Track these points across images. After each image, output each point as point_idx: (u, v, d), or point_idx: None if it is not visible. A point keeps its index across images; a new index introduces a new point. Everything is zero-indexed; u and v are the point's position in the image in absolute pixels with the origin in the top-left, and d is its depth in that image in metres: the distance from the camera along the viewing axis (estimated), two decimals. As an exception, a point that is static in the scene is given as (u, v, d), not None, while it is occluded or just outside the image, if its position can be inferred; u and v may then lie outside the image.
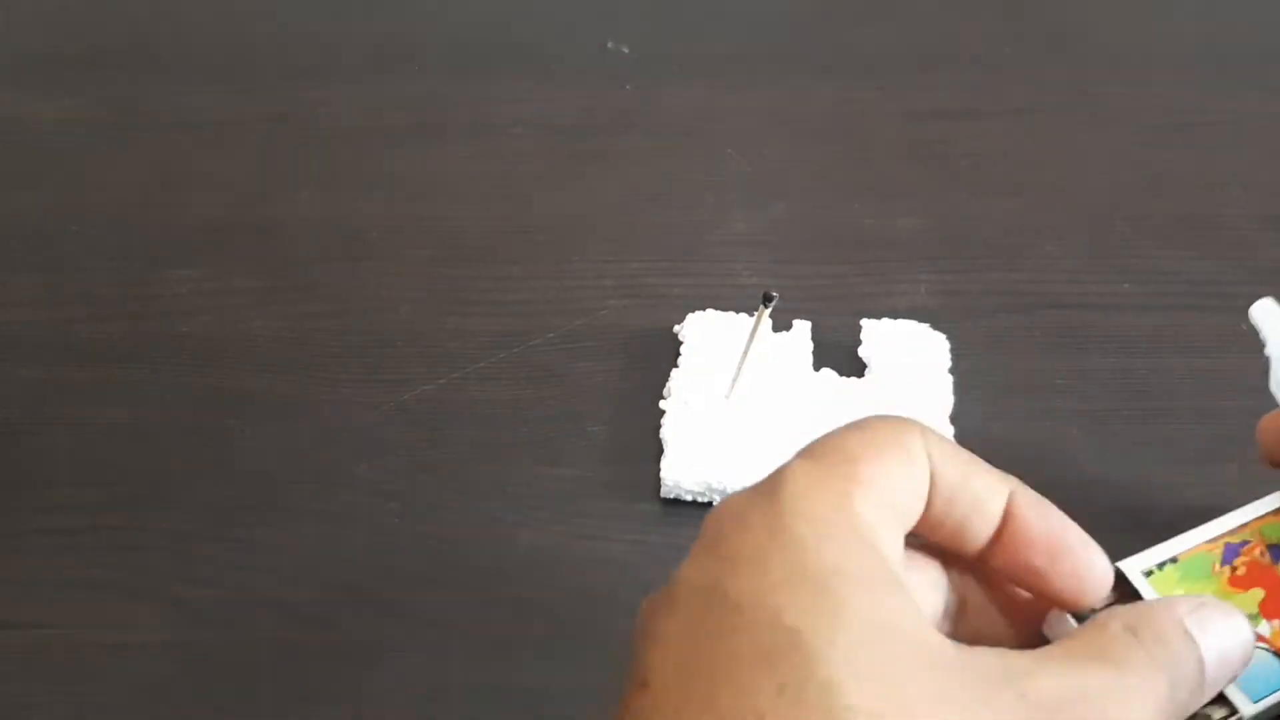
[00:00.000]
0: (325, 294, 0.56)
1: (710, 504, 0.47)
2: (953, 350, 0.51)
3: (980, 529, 0.28)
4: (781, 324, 0.51)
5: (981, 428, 0.49)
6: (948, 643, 0.24)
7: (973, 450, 0.48)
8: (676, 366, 0.50)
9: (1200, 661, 0.26)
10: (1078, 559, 0.28)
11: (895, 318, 0.52)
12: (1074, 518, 0.47)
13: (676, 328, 0.52)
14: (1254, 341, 0.53)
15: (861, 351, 0.51)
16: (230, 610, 0.45)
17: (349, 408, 0.51)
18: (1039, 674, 0.24)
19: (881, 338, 0.51)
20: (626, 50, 0.68)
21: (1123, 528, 0.47)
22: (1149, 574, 0.33)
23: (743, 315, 0.52)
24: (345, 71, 0.68)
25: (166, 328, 0.55)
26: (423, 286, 0.56)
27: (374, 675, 0.43)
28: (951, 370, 0.50)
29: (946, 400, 0.49)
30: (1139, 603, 0.27)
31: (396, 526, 0.47)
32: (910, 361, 0.50)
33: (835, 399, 0.49)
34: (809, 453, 0.26)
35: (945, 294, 0.55)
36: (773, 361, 0.50)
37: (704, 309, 0.53)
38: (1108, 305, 0.55)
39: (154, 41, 0.71)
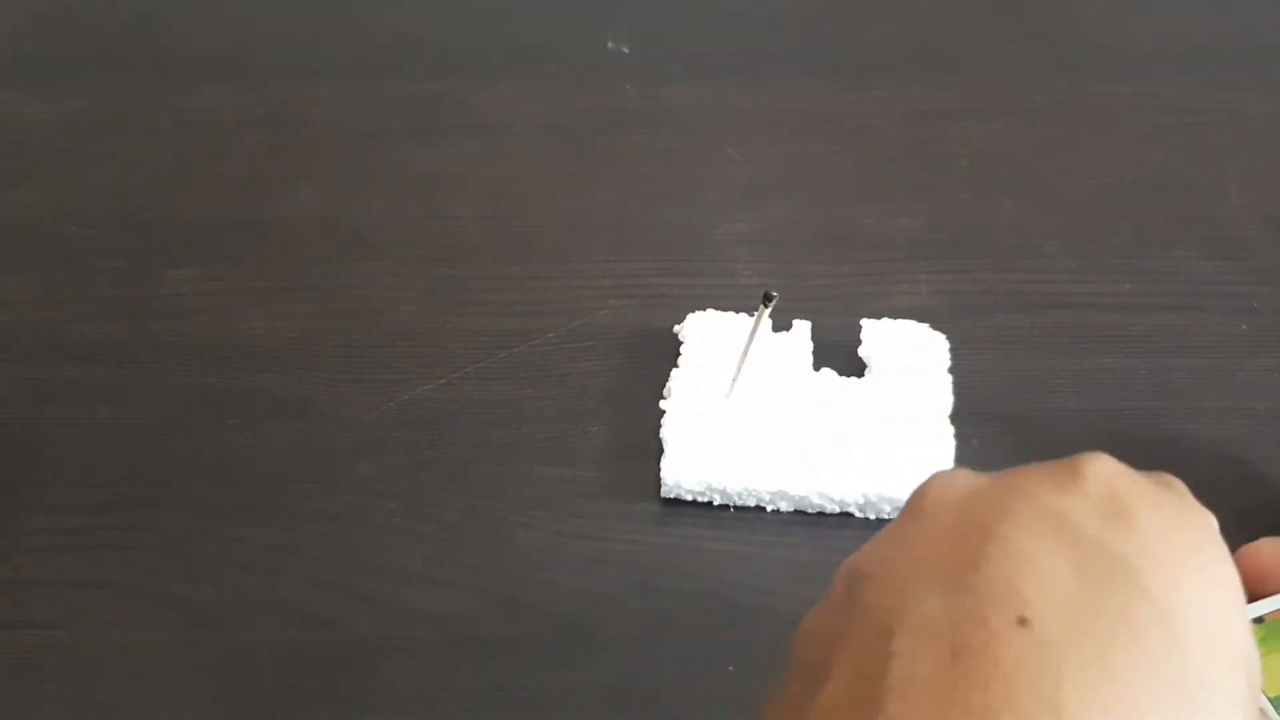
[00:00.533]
0: (325, 294, 0.56)
1: (710, 504, 0.47)
2: (953, 350, 0.51)
3: None
4: (781, 324, 0.51)
5: (982, 428, 0.49)
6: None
7: (973, 449, 0.48)
8: (677, 366, 0.50)
9: None
10: None
11: (895, 318, 0.52)
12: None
13: (676, 328, 0.52)
14: (1254, 341, 0.53)
15: (861, 351, 0.51)
16: (230, 610, 0.45)
17: (349, 408, 0.51)
18: None
19: (881, 338, 0.51)
20: (626, 50, 0.68)
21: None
22: None
23: (743, 315, 0.52)
24: (345, 71, 0.68)
25: (166, 328, 0.55)
26: (423, 286, 0.56)
27: (374, 675, 0.43)
28: (951, 370, 0.50)
29: (946, 400, 0.49)
30: None
31: (396, 526, 0.47)
32: (910, 361, 0.50)
33: (835, 399, 0.49)
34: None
35: (945, 294, 0.55)
36: (773, 361, 0.50)
37: (704, 309, 0.53)
38: (1108, 305, 0.55)
39: (154, 41, 0.71)
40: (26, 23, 0.72)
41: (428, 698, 0.43)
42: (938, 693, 0.20)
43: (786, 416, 0.48)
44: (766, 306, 0.45)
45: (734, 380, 0.48)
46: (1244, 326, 0.54)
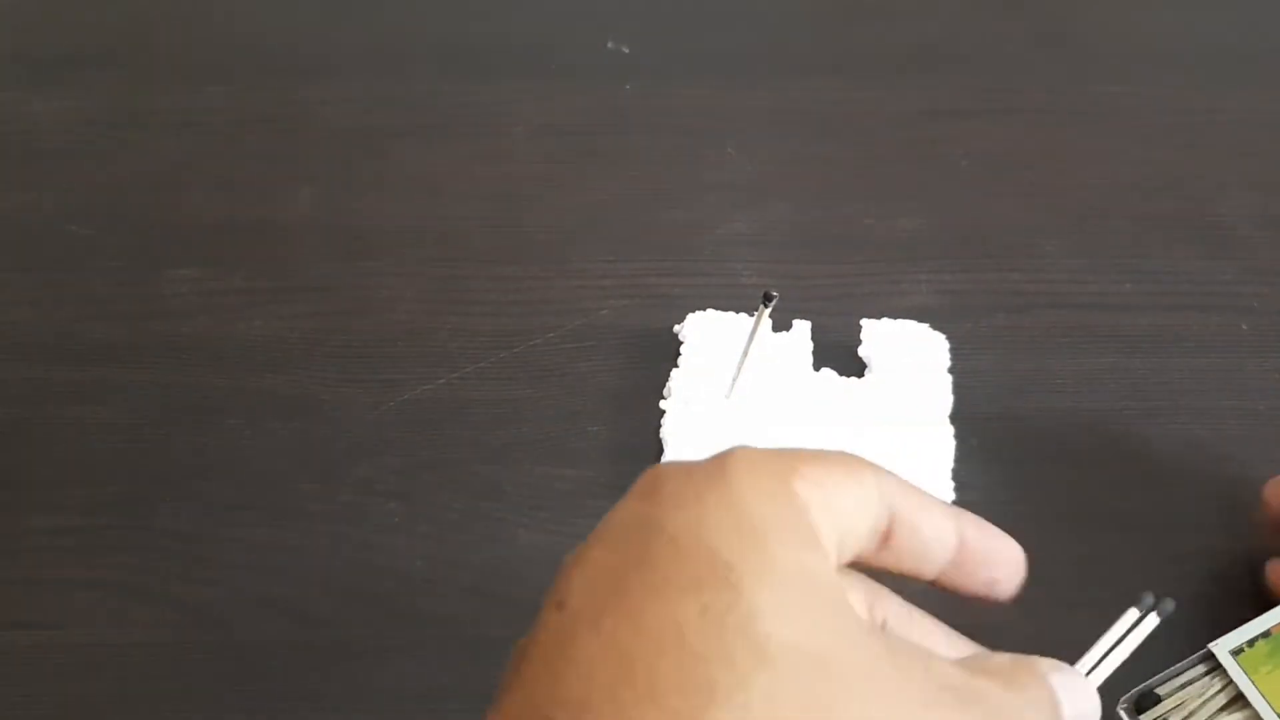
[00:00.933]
0: (325, 294, 0.56)
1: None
2: (953, 350, 0.51)
3: (939, 557, 0.29)
4: (781, 324, 0.51)
5: (982, 428, 0.49)
6: (860, 616, 0.26)
7: (973, 448, 0.48)
8: (677, 366, 0.50)
9: (1060, 714, 0.28)
10: (1016, 567, 0.31)
11: (895, 318, 0.52)
12: (1074, 516, 0.47)
13: (676, 328, 0.52)
14: (1254, 341, 0.53)
15: (861, 351, 0.51)
16: (230, 610, 0.45)
17: (349, 408, 0.51)
18: (947, 663, 0.26)
19: (881, 338, 0.51)
20: (627, 50, 0.68)
21: (1123, 527, 0.47)
22: (1238, 652, 0.34)
23: (743, 315, 0.52)
24: (345, 71, 0.68)
25: (166, 328, 0.55)
26: (423, 286, 0.56)
27: (374, 675, 0.43)
28: (951, 370, 0.50)
29: (946, 400, 0.49)
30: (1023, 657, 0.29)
31: (396, 526, 0.47)
32: (910, 361, 0.50)
33: (835, 399, 0.49)
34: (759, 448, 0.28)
35: (945, 294, 0.55)
36: (773, 361, 0.50)
37: (704, 309, 0.53)
38: (1108, 305, 0.55)
39: (153, 41, 0.71)
40: (26, 22, 0.72)
41: (428, 698, 0.43)
42: (509, 691, 0.24)
43: (786, 416, 0.48)
44: (766, 306, 0.45)
45: (734, 380, 0.48)
46: (1244, 326, 0.54)
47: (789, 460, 0.27)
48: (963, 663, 0.27)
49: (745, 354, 0.48)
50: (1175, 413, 0.50)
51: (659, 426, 0.49)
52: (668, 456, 0.47)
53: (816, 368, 0.50)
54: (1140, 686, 0.39)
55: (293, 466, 0.49)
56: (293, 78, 0.67)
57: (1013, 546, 0.31)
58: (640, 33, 0.69)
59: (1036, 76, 0.66)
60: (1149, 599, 0.32)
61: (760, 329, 0.47)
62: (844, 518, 0.27)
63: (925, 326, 0.52)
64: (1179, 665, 0.39)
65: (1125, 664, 0.32)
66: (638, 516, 0.25)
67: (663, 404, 0.50)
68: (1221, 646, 0.37)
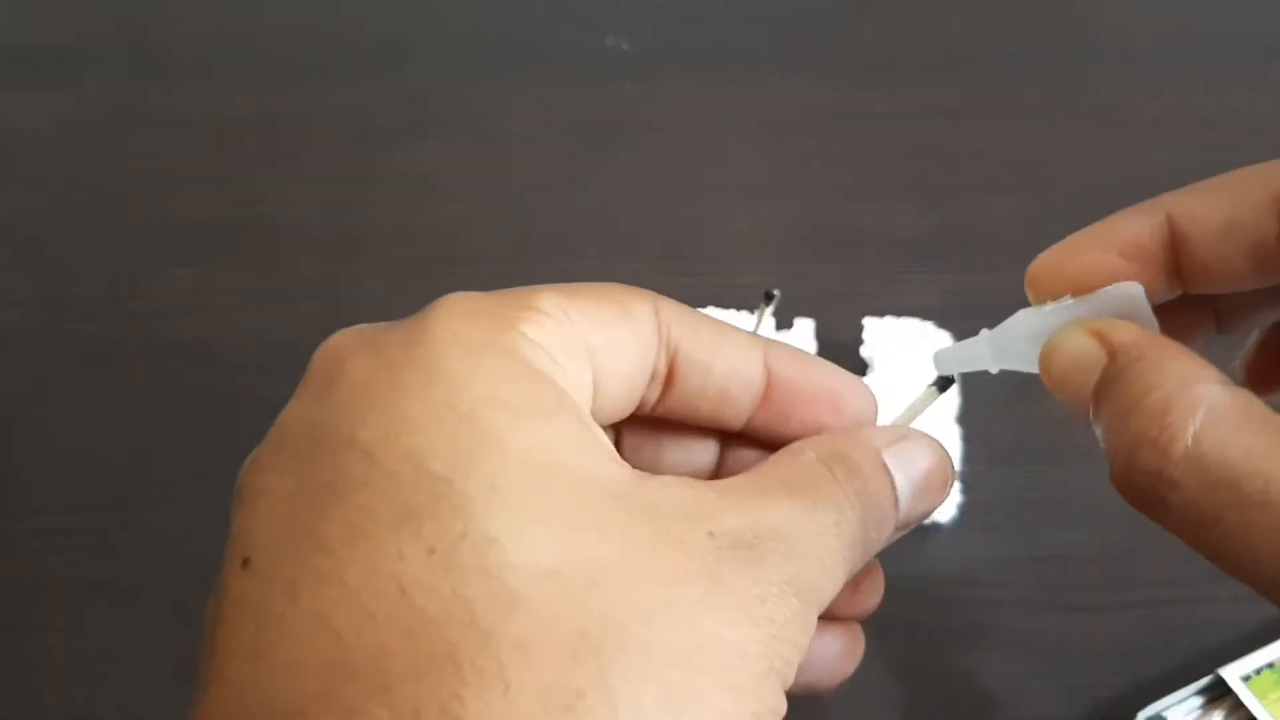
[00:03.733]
0: (323, 294, 0.56)
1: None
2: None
3: (744, 395, 0.25)
4: (783, 323, 0.51)
5: (985, 427, 0.49)
6: (629, 475, 0.21)
7: (979, 448, 0.48)
8: None
9: (895, 496, 0.24)
10: (849, 402, 0.26)
11: (897, 317, 0.52)
12: (1078, 516, 0.47)
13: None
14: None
15: (863, 350, 0.51)
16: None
17: (349, 408, 0.51)
18: (727, 511, 0.21)
19: (884, 336, 0.51)
20: (626, 48, 0.68)
21: (1128, 527, 0.47)
22: (1248, 679, 0.34)
23: (744, 314, 0.52)
24: (345, 71, 0.68)
25: (163, 327, 0.55)
26: (422, 286, 0.56)
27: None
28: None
29: (951, 399, 0.49)
30: (838, 433, 0.25)
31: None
32: (912, 361, 0.50)
33: None
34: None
35: (945, 294, 0.55)
36: None
37: (704, 309, 0.53)
38: (1108, 305, 0.55)
39: (150, 40, 0.71)
40: (24, 21, 0.72)
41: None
42: (208, 687, 0.19)
43: None
44: (768, 304, 0.45)
45: None
46: (1244, 326, 0.54)
47: (513, 301, 0.21)
48: (759, 482, 0.22)
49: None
50: (1176, 413, 0.50)
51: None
52: None
53: None
54: (1149, 710, 0.39)
55: (292, 467, 0.49)
56: (291, 77, 0.67)
57: (843, 377, 0.26)
58: (640, 31, 0.69)
59: (1036, 76, 0.66)
60: (937, 379, 0.29)
61: (762, 327, 0.47)
62: (605, 356, 0.22)
63: (929, 325, 0.52)
64: (1188, 689, 0.39)
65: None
66: (315, 423, 0.21)
67: None
68: (1232, 672, 0.36)
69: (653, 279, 0.59)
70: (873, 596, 0.27)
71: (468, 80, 0.67)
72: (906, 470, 0.24)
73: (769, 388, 0.25)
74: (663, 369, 0.24)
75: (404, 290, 0.56)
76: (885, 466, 0.24)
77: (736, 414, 0.25)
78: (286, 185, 0.61)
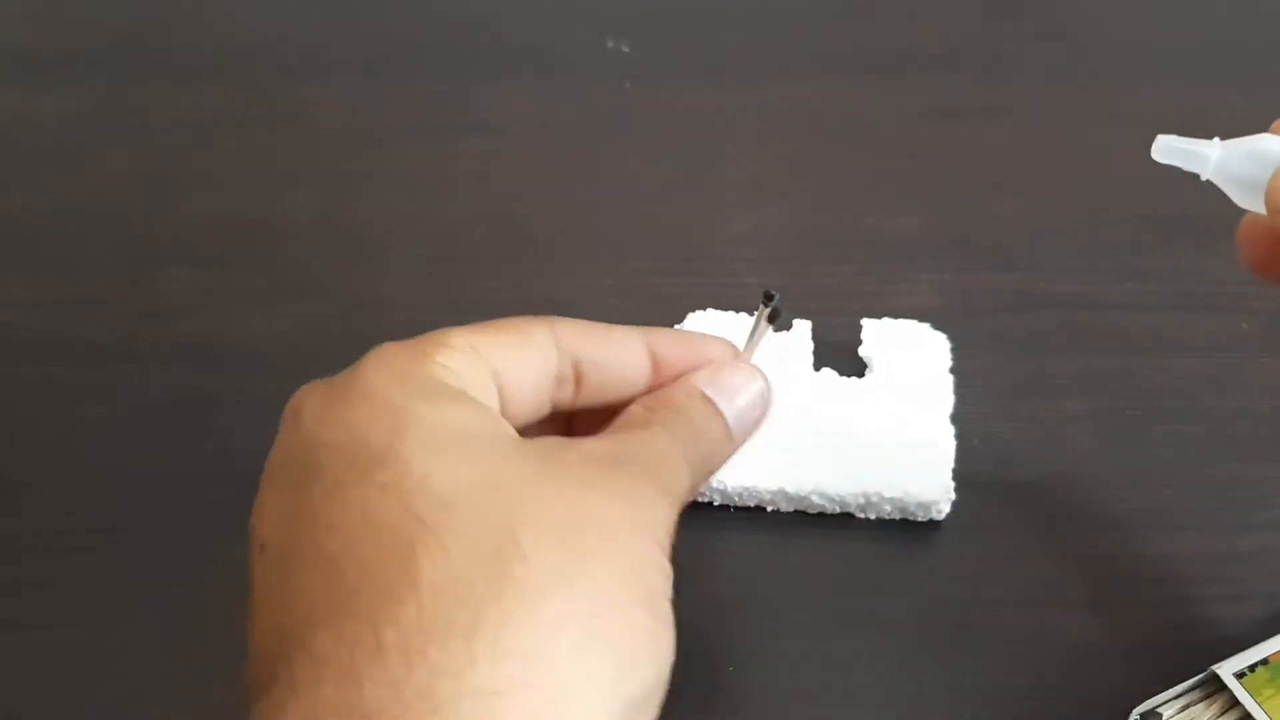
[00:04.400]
0: (324, 294, 0.56)
1: (710, 504, 0.47)
2: (953, 350, 0.51)
3: (636, 381, 0.32)
4: (782, 324, 0.51)
5: (982, 428, 0.49)
6: (516, 437, 0.29)
7: (975, 449, 0.48)
8: None
9: (720, 419, 0.32)
10: (715, 359, 0.34)
11: (895, 318, 0.52)
12: (1074, 517, 0.47)
13: (677, 328, 0.52)
14: (1254, 341, 0.53)
15: (862, 351, 0.51)
16: (231, 610, 0.45)
17: (349, 408, 0.51)
18: (591, 443, 0.29)
19: (882, 337, 0.51)
20: (627, 49, 0.68)
21: (1123, 527, 0.47)
22: (1241, 676, 0.34)
23: (743, 315, 0.52)
24: (345, 71, 0.68)
25: (164, 327, 0.55)
26: (422, 286, 0.56)
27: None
28: (952, 370, 0.50)
29: (947, 399, 0.49)
30: (664, 388, 0.33)
31: (396, 526, 0.47)
32: (911, 362, 0.50)
33: (835, 399, 0.49)
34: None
35: (945, 294, 0.55)
36: (773, 361, 0.50)
37: (704, 309, 0.53)
38: (1108, 305, 0.55)
39: (151, 40, 0.71)
40: (26, 22, 0.72)
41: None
42: (249, 637, 0.28)
43: (786, 416, 0.48)
44: (766, 306, 0.45)
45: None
46: (1244, 326, 0.54)
47: (426, 342, 0.30)
48: (611, 434, 0.31)
49: (749, 353, 0.47)
50: (1175, 413, 0.50)
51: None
52: None
53: (817, 368, 0.50)
54: (1143, 706, 0.39)
55: (292, 466, 0.49)
56: (291, 77, 0.67)
57: (709, 341, 0.34)
58: (640, 32, 0.69)
59: (1036, 76, 0.66)
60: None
61: (760, 328, 0.47)
62: (510, 373, 0.30)
63: (926, 326, 0.52)
64: (1182, 685, 0.39)
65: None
66: (292, 447, 0.28)
67: None
68: (1226, 669, 0.36)
69: (653, 279, 0.60)
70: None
71: (468, 80, 0.67)
72: (726, 394, 0.33)
73: (656, 366, 0.33)
74: (569, 373, 0.31)
75: (404, 290, 0.56)
76: (702, 395, 0.32)
77: (636, 393, 0.32)
78: (286, 185, 0.61)
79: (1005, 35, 0.69)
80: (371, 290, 0.56)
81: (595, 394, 0.32)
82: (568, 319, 0.31)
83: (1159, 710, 0.38)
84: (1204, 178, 0.31)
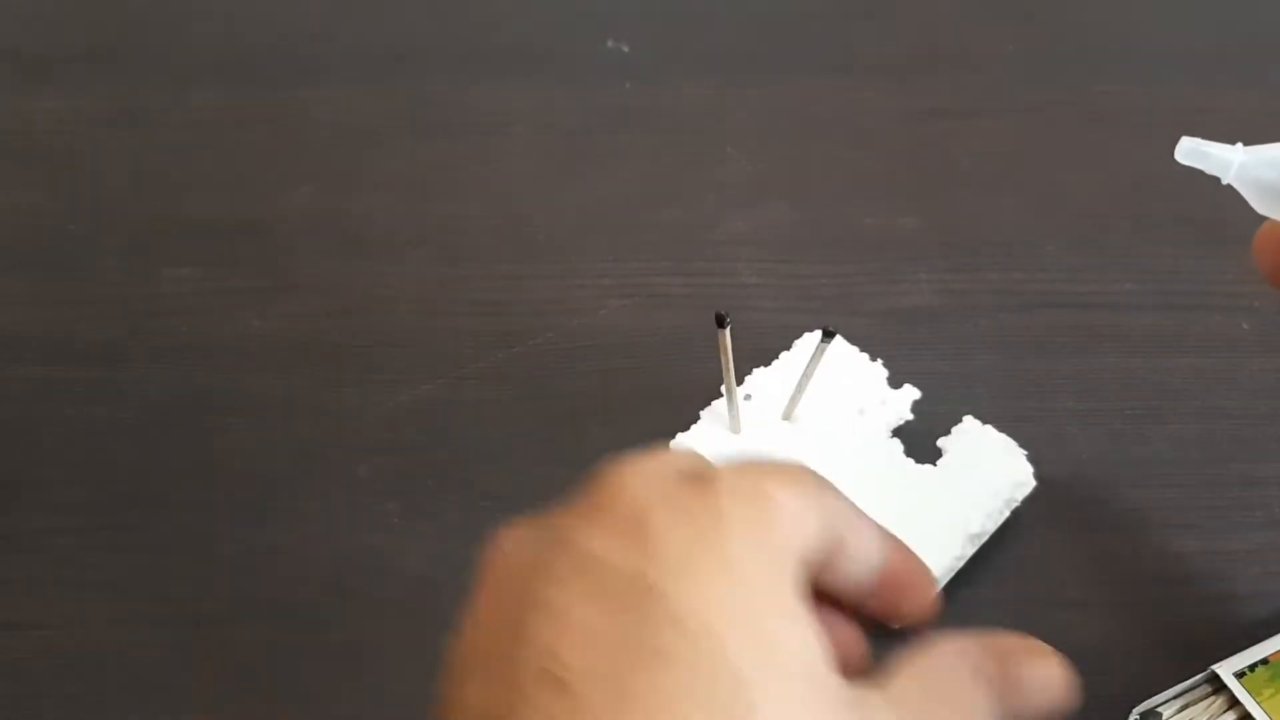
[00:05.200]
0: (325, 294, 0.56)
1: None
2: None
3: (863, 582, 0.27)
4: (896, 382, 0.49)
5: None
6: (842, 681, 0.23)
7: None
8: (766, 366, 0.50)
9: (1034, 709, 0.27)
10: (929, 602, 0.29)
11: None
12: (1073, 517, 0.47)
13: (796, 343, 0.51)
14: (1255, 341, 0.53)
15: (942, 442, 0.48)
16: (230, 610, 0.45)
17: (349, 408, 0.51)
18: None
19: (967, 440, 0.48)
20: (627, 49, 0.68)
21: (1123, 527, 0.47)
22: (1241, 675, 0.34)
23: (865, 356, 0.50)
24: (345, 71, 0.68)
25: (165, 327, 0.55)
26: (423, 286, 0.56)
27: (374, 675, 0.43)
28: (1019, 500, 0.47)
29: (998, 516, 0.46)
30: (983, 641, 0.28)
31: (397, 526, 0.47)
32: (988, 469, 0.47)
33: (892, 472, 0.47)
34: (731, 463, 0.26)
35: (945, 294, 0.55)
36: (851, 412, 0.48)
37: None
38: (1108, 305, 0.55)
39: (152, 40, 0.71)
40: (26, 22, 0.72)
41: (428, 698, 0.43)
42: None
43: (835, 465, 0.46)
44: (827, 343, 0.44)
45: (792, 402, 0.48)
46: (1244, 326, 0.54)
47: (766, 488, 0.24)
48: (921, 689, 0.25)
49: (802, 383, 0.47)
50: (1175, 413, 0.50)
51: (658, 426, 0.48)
52: (682, 438, 0.47)
53: (898, 435, 0.48)
54: (1143, 705, 0.39)
55: (292, 466, 0.49)
56: (292, 77, 0.67)
57: (931, 580, 0.29)
58: (640, 32, 0.69)
59: (1036, 76, 0.66)
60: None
61: (818, 362, 0.46)
62: (809, 547, 0.25)
63: (1020, 455, 0.47)
64: (1182, 685, 0.39)
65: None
66: (625, 564, 0.23)
67: (708, 408, 0.49)
68: (1226, 669, 0.37)
69: (653, 279, 0.59)
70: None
71: (468, 81, 0.67)
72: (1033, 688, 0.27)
73: (883, 575, 0.27)
74: (828, 551, 0.26)
75: (404, 290, 0.56)
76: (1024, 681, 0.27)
77: (853, 594, 0.27)
78: (286, 185, 0.61)
79: (1005, 35, 0.69)
80: (372, 290, 0.56)
81: (830, 584, 0.27)
82: (826, 480, 0.26)
83: (1159, 710, 0.38)
84: (1225, 181, 0.31)
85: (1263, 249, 0.36)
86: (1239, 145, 0.31)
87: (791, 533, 0.24)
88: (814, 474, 0.26)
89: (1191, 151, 0.32)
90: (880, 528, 0.28)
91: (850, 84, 0.66)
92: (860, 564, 0.27)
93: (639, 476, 0.25)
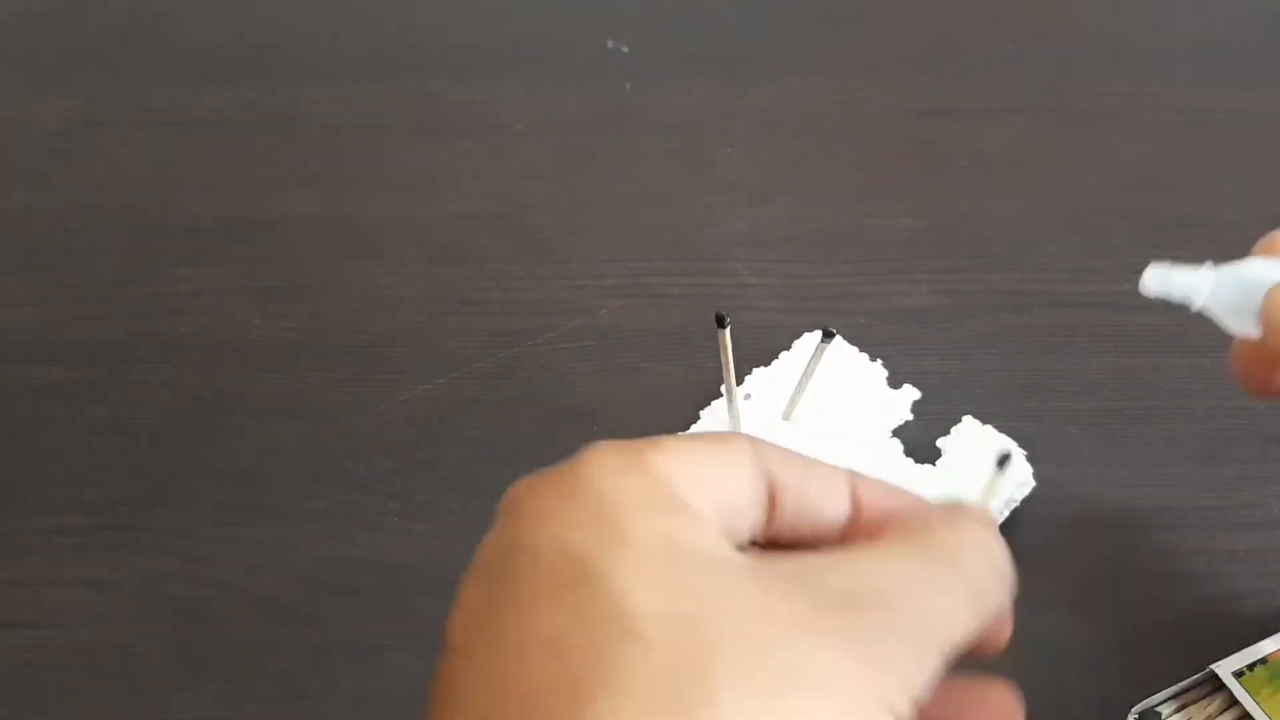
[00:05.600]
0: (325, 294, 0.56)
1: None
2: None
3: (832, 521, 0.28)
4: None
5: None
6: (745, 556, 0.24)
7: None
8: (765, 367, 0.50)
9: (1003, 548, 0.26)
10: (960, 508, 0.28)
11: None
12: (1074, 517, 0.47)
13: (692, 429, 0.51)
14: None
15: (941, 442, 0.48)
16: (229, 610, 0.45)
17: (348, 408, 0.51)
18: (837, 568, 0.24)
19: (968, 441, 0.48)
20: (626, 49, 0.68)
21: (1123, 527, 0.47)
22: (1240, 675, 0.34)
23: (864, 357, 0.51)
24: (345, 71, 0.68)
25: (165, 328, 0.55)
26: (423, 286, 0.56)
27: (373, 675, 0.43)
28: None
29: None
30: (941, 504, 0.27)
31: (396, 526, 0.47)
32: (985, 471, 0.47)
33: (891, 472, 0.47)
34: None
35: (945, 294, 0.55)
36: (851, 412, 0.49)
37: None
38: (1108, 305, 0.55)
39: (153, 40, 0.71)
40: (25, 22, 0.72)
41: (427, 698, 0.43)
42: None
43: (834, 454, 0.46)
44: (826, 343, 0.44)
45: (792, 402, 0.48)
46: (1244, 326, 0.54)
47: (646, 443, 0.26)
48: (857, 554, 0.25)
49: (803, 382, 0.47)
50: (1175, 413, 0.50)
51: (658, 426, 0.49)
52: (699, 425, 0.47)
53: (903, 441, 0.48)
54: (1142, 704, 0.39)
55: (292, 466, 0.49)
56: (292, 77, 0.67)
57: (918, 500, 0.29)
58: (640, 32, 0.69)
59: (1036, 76, 0.66)
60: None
61: (818, 362, 0.46)
62: (720, 490, 0.26)
63: (1011, 443, 0.48)
64: (1181, 684, 0.39)
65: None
66: (502, 541, 0.25)
67: (708, 407, 0.49)
68: (1225, 668, 0.37)
69: (653, 279, 0.59)
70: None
71: (468, 81, 0.67)
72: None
73: (856, 513, 0.28)
74: (764, 496, 0.27)
75: (405, 290, 0.56)
76: (975, 516, 0.26)
77: (828, 536, 0.28)
78: (287, 185, 0.61)
79: (1005, 35, 0.69)
80: (372, 290, 0.56)
81: (787, 527, 0.27)
82: (764, 441, 0.28)
83: (1158, 709, 0.38)
84: (1195, 309, 0.31)
85: (1239, 361, 0.36)
86: (1208, 265, 0.31)
87: (677, 471, 0.25)
88: (733, 434, 0.28)
89: (1160, 279, 0.32)
90: (837, 468, 0.28)
91: (850, 84, 0.66)
92: (821, 505, 0.27)
93: (520, 481, 0.27)
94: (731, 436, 0.27)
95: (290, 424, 0.51)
